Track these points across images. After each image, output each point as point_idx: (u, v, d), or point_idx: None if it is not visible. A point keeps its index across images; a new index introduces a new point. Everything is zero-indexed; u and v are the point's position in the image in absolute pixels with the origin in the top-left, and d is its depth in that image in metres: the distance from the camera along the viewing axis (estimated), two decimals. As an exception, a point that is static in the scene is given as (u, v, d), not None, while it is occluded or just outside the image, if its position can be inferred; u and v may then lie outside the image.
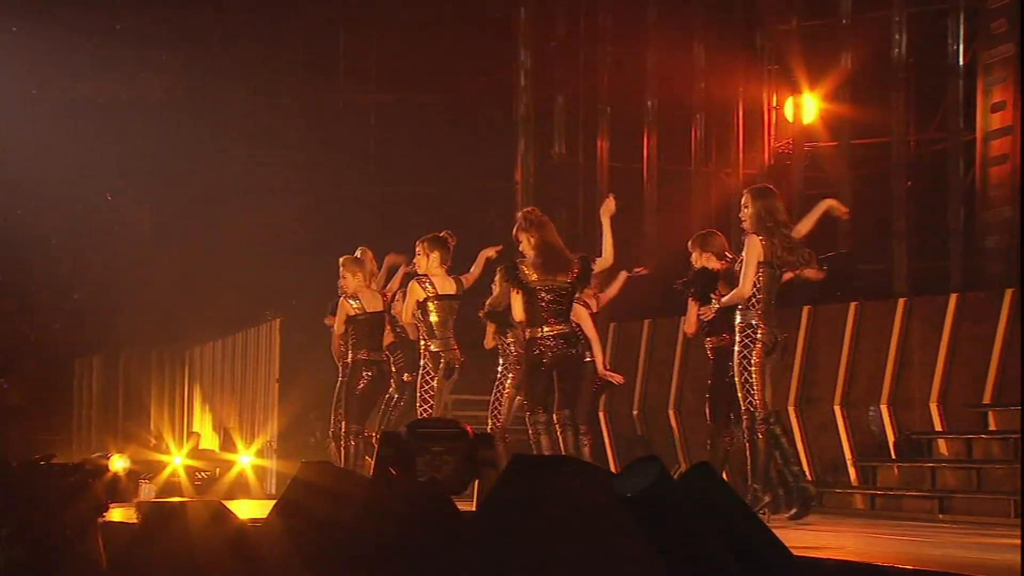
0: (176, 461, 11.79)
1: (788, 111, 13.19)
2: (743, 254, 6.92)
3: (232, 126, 14.85)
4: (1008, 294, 9.18)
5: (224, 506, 4.41)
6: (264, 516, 4.25)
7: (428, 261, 7.97)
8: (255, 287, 13.70)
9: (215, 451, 12.60)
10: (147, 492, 10.36)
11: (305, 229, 14.03)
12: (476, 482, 4.47)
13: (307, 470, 4.29)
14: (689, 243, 7.74)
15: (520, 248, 7.40)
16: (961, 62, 11.81)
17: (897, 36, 12.44)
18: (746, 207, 6.96)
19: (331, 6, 14.99)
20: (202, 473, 11.64)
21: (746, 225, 6.97)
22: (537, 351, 7.23)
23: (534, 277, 7.30)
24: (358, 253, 8.78)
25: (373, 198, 14.50)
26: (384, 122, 15.04)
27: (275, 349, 11.96)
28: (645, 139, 13.66)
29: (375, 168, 14.95)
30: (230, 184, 14.77)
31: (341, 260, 8.69)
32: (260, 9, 14.98)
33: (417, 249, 8.07)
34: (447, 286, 7.96)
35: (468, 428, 4.35)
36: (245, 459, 11.82)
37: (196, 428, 13.75)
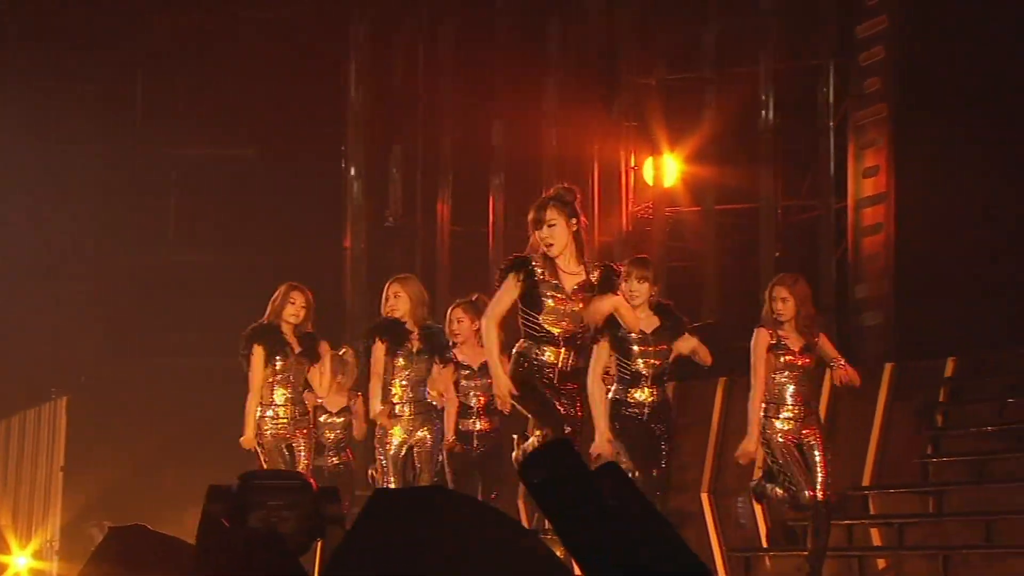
0: (-66, 570, 11.32)
1: (648, 173, 13.41)
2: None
3: (10, 179, 14.52)
4: (887, 369, 9.57)
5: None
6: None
7: None
8: (36, 362, 13.35)
9: (-18, 555, 12.17)
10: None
11: (96, 299, 13.76)
12: (319, 543, 4.49)
13: (116, 536, 4.21)
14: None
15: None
16: (832, 123, 12.16)
17: (764, 95, 12.71)
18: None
19: (131, 42, 14.80)
20: (-35, 583, 11.21)
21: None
22: None
23: None
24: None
25: (177, 267, 14.29)
26: (190, 179, 14.89)
27: (60, 432, 11.69)
28: (491, 200, 13.76)
29: (179, 232, 14.76)
30: (6, 246, 14.40)
31: None
32: (46, 41, 14.72)
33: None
34: None
35: (312, 481, 4.37)
36: (21, 561, 11.48)
37: (-41, 529, 13.25)
